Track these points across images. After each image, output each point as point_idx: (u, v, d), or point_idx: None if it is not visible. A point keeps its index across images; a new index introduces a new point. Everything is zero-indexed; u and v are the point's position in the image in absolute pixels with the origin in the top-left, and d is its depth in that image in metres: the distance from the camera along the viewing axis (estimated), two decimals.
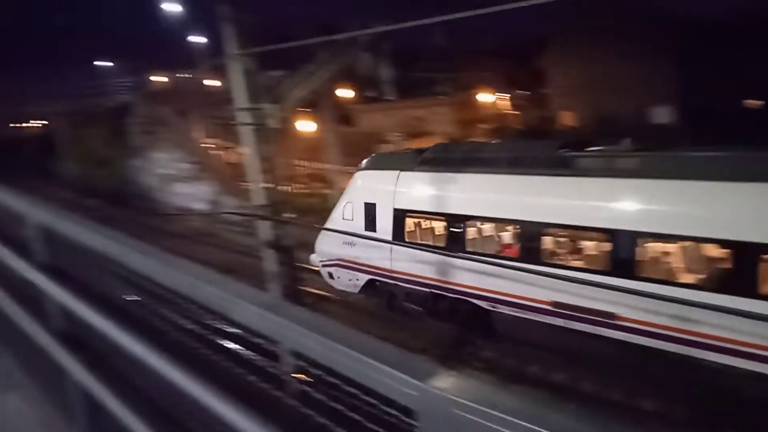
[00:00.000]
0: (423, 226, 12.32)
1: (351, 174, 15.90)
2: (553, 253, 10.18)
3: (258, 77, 11.57)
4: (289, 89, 13.74)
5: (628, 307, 8.70)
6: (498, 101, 40.97)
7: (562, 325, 9.66)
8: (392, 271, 12.27)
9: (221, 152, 39.93)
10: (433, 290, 11.65)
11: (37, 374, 3.55)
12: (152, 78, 39.62)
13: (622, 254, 8.96)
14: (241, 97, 11.20)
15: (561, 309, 9.56)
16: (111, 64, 38.48)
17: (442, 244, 11.54)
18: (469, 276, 10.87)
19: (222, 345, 1.84)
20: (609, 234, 9.11)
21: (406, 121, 37.81)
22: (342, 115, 42.38)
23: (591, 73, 28.84)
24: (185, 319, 1.97)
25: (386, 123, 38.48)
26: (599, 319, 9.12)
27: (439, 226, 11.91)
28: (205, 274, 1.79)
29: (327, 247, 13.72)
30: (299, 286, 12.62)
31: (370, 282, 12.94)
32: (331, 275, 13.82)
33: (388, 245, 12.05)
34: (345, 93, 34.59)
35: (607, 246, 9.29)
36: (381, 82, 16.34)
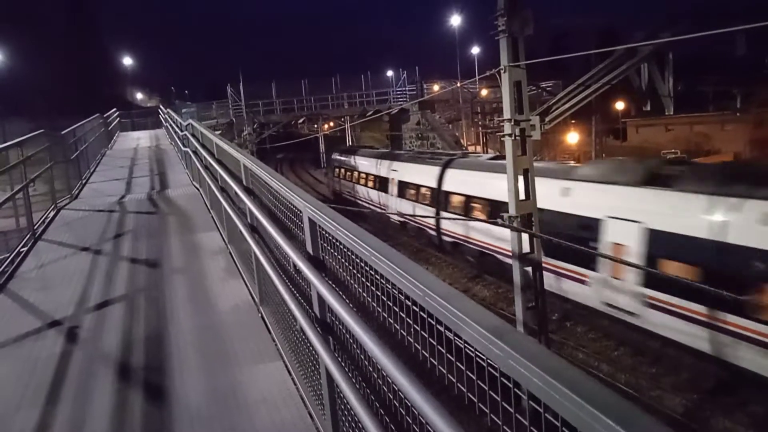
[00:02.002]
0: (336, 171, 35.81)
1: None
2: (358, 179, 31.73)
3: (528, 88, 11.53)
4: (558, 100, 13.39)
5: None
6: None
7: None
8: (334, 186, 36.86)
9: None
10: (338, 191, 35.55)
11: (297, 350, 4.02)
12: (428, 86, 42.07)
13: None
14: (508, 107, 11.27)
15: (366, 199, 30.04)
16: (392, 73, 41.80)
17: (337, 176, 35.52)
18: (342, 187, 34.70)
19: (450, 360, 1.84)
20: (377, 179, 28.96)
21: (686, 137, 34.13)
22: (612, 128, 40.00)
23: None
24: (415, 325, 2.03)
25: (662, 138, 35.20)
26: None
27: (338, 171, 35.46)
28: (437, 286, 1.82)
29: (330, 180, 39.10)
30: (541, 303, 12.25)
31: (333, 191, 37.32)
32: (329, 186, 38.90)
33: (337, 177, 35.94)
34: (618, 105, 32.52)
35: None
36: (659, 95, 14.96)
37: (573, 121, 33.89)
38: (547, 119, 11.66)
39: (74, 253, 7.93)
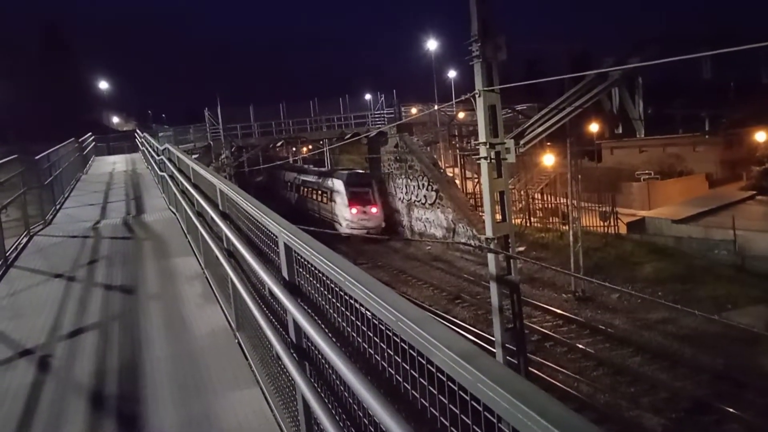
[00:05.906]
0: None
1: (591, 210, 16.81)
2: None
3: (502, 111, 11.71)
4: (532, 123, 13.61)
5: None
6: None
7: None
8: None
9: (461, 182, 41.02)
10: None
11: (274, 376, 4.00)
12: (406, 109, 42.41)
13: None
14: (483, 130, 11.42)
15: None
16: (370, 96, 42.11)
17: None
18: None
19: (423, 383, 1.86)
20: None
21: (659, 158, 34.83)
22: (586, 150, 40.67)
23: None
24: (389, 350, 2.04)
25: (636, 160, 35.88)
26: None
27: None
28: (409, 311, 1.84)
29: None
30: (519, 324, 12.30)
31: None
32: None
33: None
34: (592, 127, 33.10)
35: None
36: (631, 117, 15.31)
37: (549, 144, 34.36)
38: (521, 142, 11.84)
39: (47, 280, 7.80)
